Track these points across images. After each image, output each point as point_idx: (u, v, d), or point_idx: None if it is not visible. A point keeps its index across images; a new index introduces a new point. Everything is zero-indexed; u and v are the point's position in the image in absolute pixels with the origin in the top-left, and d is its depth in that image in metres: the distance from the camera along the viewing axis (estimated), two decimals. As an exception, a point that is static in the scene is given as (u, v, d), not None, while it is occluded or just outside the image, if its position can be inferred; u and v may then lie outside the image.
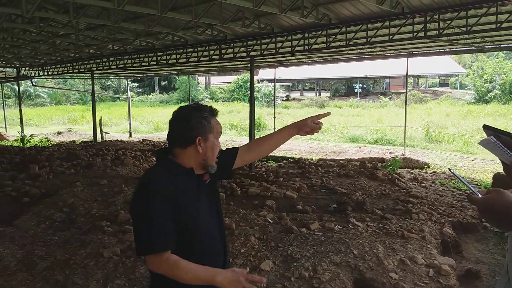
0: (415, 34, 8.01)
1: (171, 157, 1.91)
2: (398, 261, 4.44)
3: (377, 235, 5.18)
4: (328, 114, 2.20)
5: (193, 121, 1.87)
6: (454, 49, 12.50)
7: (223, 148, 2.08)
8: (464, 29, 7.62)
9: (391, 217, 5.90)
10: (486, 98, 29.19)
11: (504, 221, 1.25)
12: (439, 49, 12.67)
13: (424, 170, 11.89)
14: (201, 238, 1.89)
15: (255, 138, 10.84)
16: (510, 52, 37.54)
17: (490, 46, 11.60)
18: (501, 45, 11.71)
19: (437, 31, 7.79)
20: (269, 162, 12.80)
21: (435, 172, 11.53)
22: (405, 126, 14.37)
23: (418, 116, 22.70)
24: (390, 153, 13.84)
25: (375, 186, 7.93)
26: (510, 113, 22.41)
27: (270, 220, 5.70)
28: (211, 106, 1.98)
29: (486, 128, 1.44)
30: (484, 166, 11.92)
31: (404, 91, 33.20)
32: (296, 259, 4.42)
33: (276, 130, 2.14)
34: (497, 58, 33.42)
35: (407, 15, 7.52)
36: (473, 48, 11.50)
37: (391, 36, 8.27)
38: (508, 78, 28.68)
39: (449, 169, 1.81)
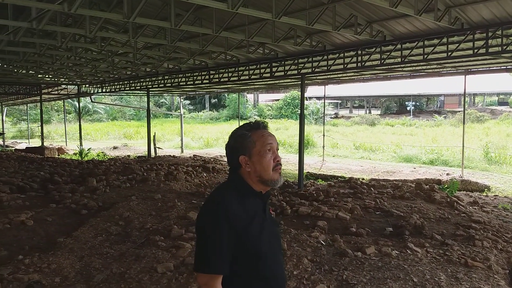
0: (475, 50, 7.65)
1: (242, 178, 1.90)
2: (463, 292, 4.15)
3: (438, 262, 4.88)
4: None
5: (232, 143, 1.90)
6: (517, 66, 11.83)
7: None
8: (530, 45, 7.20)
9: (452, 243, 5.56)
10: (551, 117, 27.38)
11: None
12: (500, 66, 12.04)
13: (484, 194, 11.23)
14: (266, 263, 1.85)
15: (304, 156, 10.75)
16: None
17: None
18: None
19: (499, 47, 7.40)
20: (318, 181, 12.60)
21: (496, 195, 10.85)
22: (463, 146, 13.70)
23: (476, 136, 21.63)
24: (447, 174, 13.23)
25: (433, 209, 7.54)
26: None
27: (323, 242, 5.53)
28: (256, 121, 1.97)
29: None
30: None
31: (460, 109, 31.91)
32: (352, 284, 4.24)
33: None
34: None
35: (466, 31, 7.21)
36: (538, 65, 10.84)
37: (449, 53, 7.95)
38: None
39: None
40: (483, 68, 12.36)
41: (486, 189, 11.73)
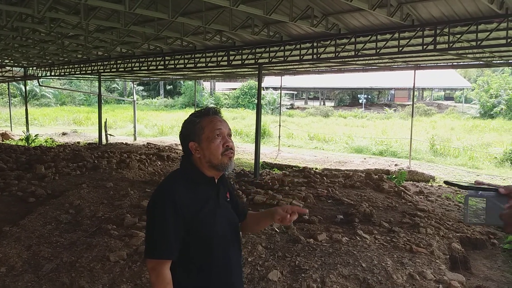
0: (424, 47, 8.00)
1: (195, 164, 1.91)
2: (407, 276, 4.38)
3: (385, 248, 5.12)
4: (305, 211, 2.08)
5: (183, 130, 1.94)
6: (461, 63, 12.49)
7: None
8: (473, 43, 7.62)
9: (398, 230, 5.84)
10: (492, 113, 29.14)
11: None
12: (447, 63, 12.67)
13: (429, 184, 11.83)
14: (220, 248, 1.88)
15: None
16: (516, 68, 37.50)
17: (498, 61, 11.58)
18: (509, 61, 11.69)
19: (446, 45, 7.78)
20: (274, 170, 12.76)
21: (440, 186, 11.46)
22: (411, 138, 14.33)
23: (423, 129, 22.66)
24: (396, 165, 13.80)
25: (382, 198, 7.88)
26: (515, 129, 22.37)
27: (277, 229, 5.65)
28: (206, 107, 2.00)
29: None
30: (490, 182, 11.85)
31: (409, 103, 33.21)
32: (304, 270, 4.37)
33: (263, 210, 2.09)
34: (503, 73, 33.42)
35: (416, 28, 7.51)
36: (481, 62, 11.47)
37: (400, 48, 8.26)
38: (514, 94, 28.67)
39: (445, 182, 1.61)
40: (431, 64, 12.95)
41: (431, 180, 12.35)
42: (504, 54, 10.40)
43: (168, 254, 1.77)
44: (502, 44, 7.47)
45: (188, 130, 1.91)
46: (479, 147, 16.99)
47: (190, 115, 1.98)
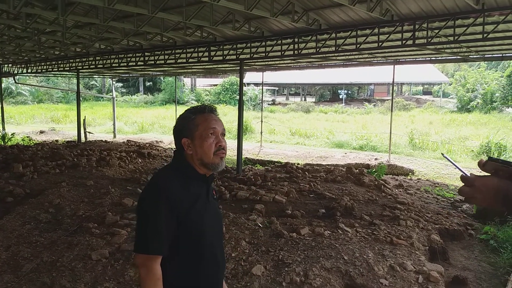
0: (403, 42, 8.12)
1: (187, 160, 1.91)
2: (388, 267, 4.47)
3: (367, 241, 5.21)
4: None
5: (176, 125, 1.92)
6: (439, 57, 12.71)
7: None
8: (451, 38, 7.77)
9: (379, 223, 5.94)
10: (468, 107, 29.78)
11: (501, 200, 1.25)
12: (425, 58, 12.88)
13: (408, 177, 12.04)
14: (208, 244, 1.89)
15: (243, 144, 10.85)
16: (491, 62, 38.43)
17: (474, 56, 11.83)
18: (485, 55, 11.97)
19: (425, 40, 7.91)
20: (256, 166, 12.79)
21: (419, 179, 11.68)
22: (390, 132, 14.53)
23: (402, 124, 22.99)
24: (376, 159, 13.99)
25: (362, 192, 7.98)
26: (491, 123, 22.90)
27: (260, 225, 5.67)
28: (203, 104, 2.00)
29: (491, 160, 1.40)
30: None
31: (388, 98, 33.67)
32: (287, 264, 4.41)
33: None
34: (479, 68, 34.17)
35: (396, 23, 7.61)
36: (458, 57, 11.70)
37: (380, 43, 8.36)
38: (489, 88, 29.33)
39: (442, 154, 1.82)
40: (410, 58, 13.13)
41: (410, 173, 12.57)
42: (480, 49, 10.63)
43: (159, 250, 1.76)
44: (479, 39, 7.62)
45: (182, 126, 1.90)
46: (456, 141, 17.36)
47: (185, 111, 1.97)
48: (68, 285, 3.98)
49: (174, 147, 1.99)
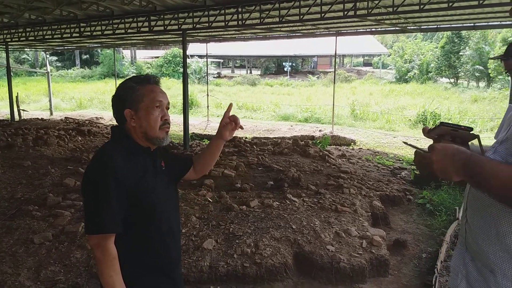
0: (345, 13, 8.23)
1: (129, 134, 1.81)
2: (334, 234, 4.62)
3: (313, 210, 5.34)
4: (230, 106, 2.06)
5: (118, 94, 1.80)
6: (379, 29, 13.05)
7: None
8: (390, 9, 7.97)
9: (324, 192, 6.10)
10: (406, 77, 31.04)
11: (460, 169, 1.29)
12: (366, 29, 13.17)
13: (351, 147, 12.46)
14: (162, 216, 1.83)
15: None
16: (427, 34, 40.14)
17: (412, 27, 12.26)
18: (422, 27, 12.44)
19: (366, 11, 8.06)
20: (203, 141, 12.66)
21: (361, 148, 12.12)
22: (333, 104, 14.88)
23: (344, 95, 23.58)
24: (320, 131, 14.31)
25: (308, 162, 8.15)
26: (427, 92, 24.09)
27: (210, 199, 5.64)
28: (147, 74, 1.89)
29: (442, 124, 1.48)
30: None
31: (331, 70, 34.36)
32: (238, 236, 4.43)
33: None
34: (416, 39, 35.58)
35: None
36: (397, 28, 12.06)
37: (322, 14, 8.41)
38: (425, 59, 30.67)
39: (404, 142, 1.90)
40: (351, 30, 13.38)
41: (352, 143, 13.01)
42: (417, 20, 11.02)
43: (112, 228, 1.67)
44: (416, 10, 7.88)
45: (125, 96, 1.77)
46: (395, 111, 18.12)
47: (127, 79, 1.84)
48: (9, 271, 3.76)
49: (116, 123, 1.87)
